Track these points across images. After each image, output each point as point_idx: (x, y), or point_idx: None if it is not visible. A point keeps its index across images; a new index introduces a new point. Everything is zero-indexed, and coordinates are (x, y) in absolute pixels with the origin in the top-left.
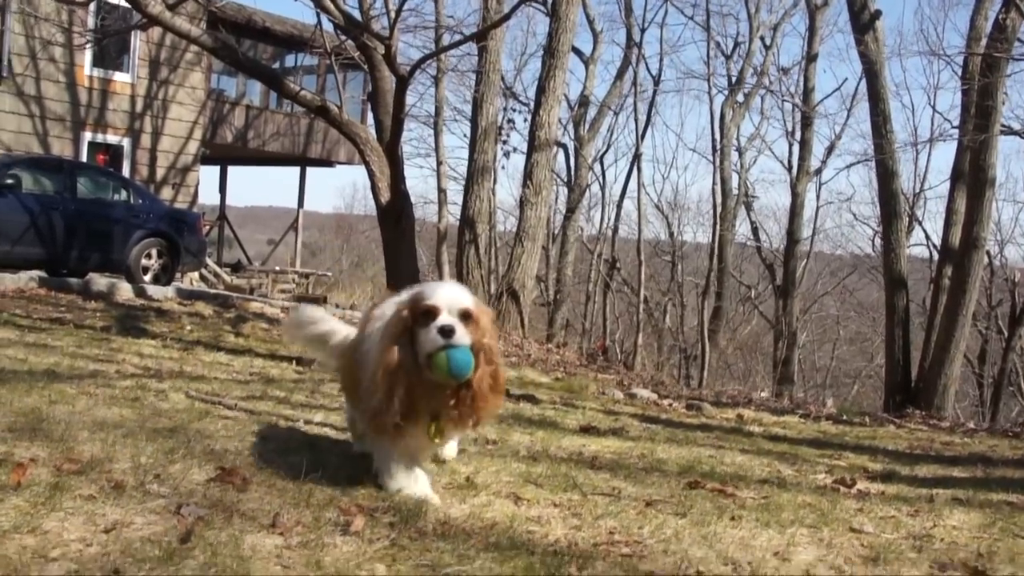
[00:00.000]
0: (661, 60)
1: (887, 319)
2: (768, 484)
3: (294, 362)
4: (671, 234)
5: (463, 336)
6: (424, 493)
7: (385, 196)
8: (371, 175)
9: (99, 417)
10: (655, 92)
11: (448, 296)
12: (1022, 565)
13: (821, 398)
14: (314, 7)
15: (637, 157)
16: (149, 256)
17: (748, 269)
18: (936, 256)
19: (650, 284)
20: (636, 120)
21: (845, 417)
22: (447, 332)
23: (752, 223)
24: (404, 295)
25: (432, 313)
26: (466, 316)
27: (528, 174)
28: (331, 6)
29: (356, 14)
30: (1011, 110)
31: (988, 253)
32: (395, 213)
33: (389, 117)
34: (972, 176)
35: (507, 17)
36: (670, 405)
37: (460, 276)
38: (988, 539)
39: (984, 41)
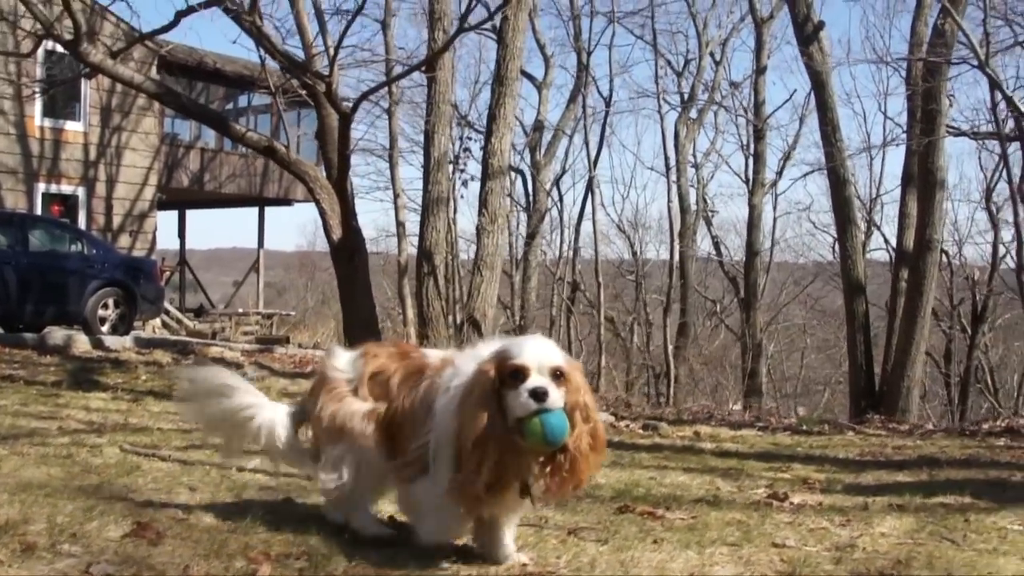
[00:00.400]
0: (611, 81)
1: (848, 325)
2: (701, 503)
3: None
4: (634, 253)
5: (557, 398)
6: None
7: (337, 233)
8: (322, 213)
9: (25, 478)
10: (607, 114)
11: (537, 353)
12: (940, 569)
13: (792, 408)
14: (256, 48)
15: (591, 179)
16: (106, 306)
17: (713, 284)
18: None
19: (616, 304)
20: (587, 143)
21: (804, 427)
22: (540, 396)
23: (713, 237)
24: (481, 351)
25: (522, 374)
26: (558, 375)
27: (483, 202)
28: (272, 46)
29: (300, 53)
30: (960, 111)
31: (947, 253)
32: (348, 250)
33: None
34: (922, 179)
35: (445, 48)
36: (627, 427)
37: (420, 308)
38: (912, 545)
39: (925, 46)
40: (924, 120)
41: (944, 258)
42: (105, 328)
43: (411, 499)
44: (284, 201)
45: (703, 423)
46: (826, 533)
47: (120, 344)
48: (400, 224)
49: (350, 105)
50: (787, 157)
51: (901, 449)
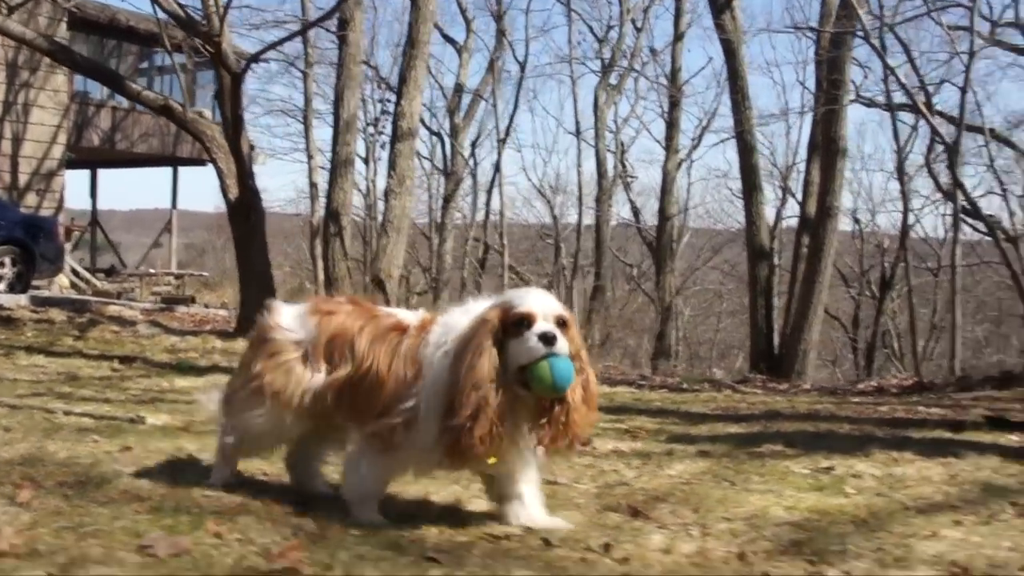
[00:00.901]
0: (527, 45)
1: (750, 289)
2: None
3: (115, 360)
4: (553, 217)
5: (564, 344)
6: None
7: (233, 192)
8: (219, 172)
9: None
10: (522, 78)
11: (542, 301)
12: (691, 503)
13: (707, 370)
14: (152, 4)
15: (500, 142)
16: (2, 264)
17: (632, 249)
18: None
19: (536, 268)
20: (495, 106)
21: (685, 385)
22: (549, 339)
23: (632, 203)
24: (480, 304)
25: (528, 320)
26: (562, 323)
27: (392, 164)
28: (168, 3)
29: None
30: (876, 83)
31: (858, 220)
32: (244, 209)
33: None
34: (825, 147)
35: (336, 8)
36: None
37: (326, 269)
38: (682, 484)
39: (834, 17)
40: (829, 89)
41: (856, 226)
42: (1, 286)
43: (390, 464)
44: (198, 161)
45: None
46: (611, 474)
47: (14, 302)
48: (313, 185)
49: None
50: (706, 126)
51: (755, 405)
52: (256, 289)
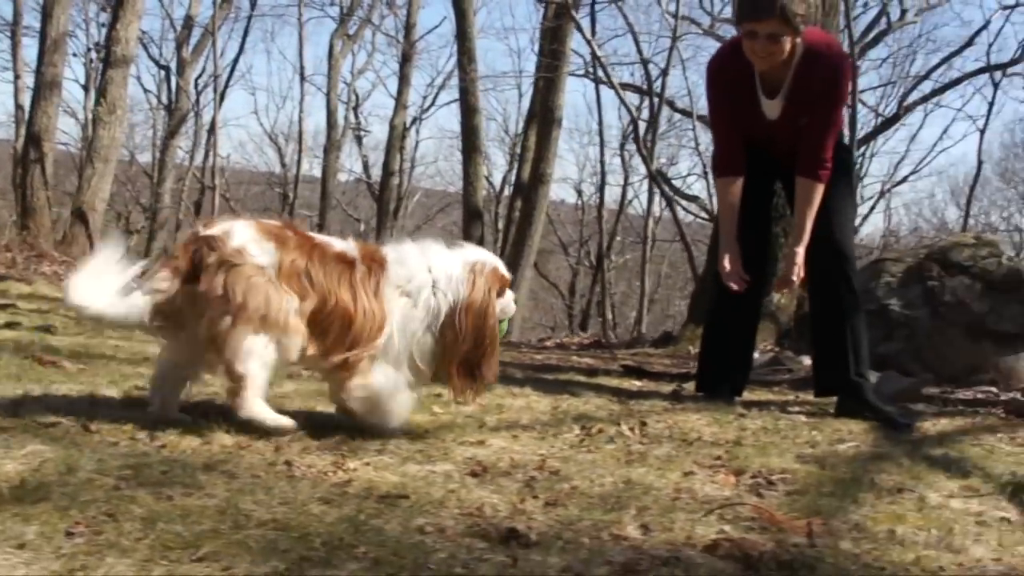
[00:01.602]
0: None
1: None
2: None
3: None
4: (283, 165)
5: None
6: None
7: None
8: None
9: None
10: (251, 16)
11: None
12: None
13: None
14: None
15: (215, 79)
16: None
17: (363, 204)
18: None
19: (263, 217)
20: (214, 45)
21: None
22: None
23: (363, 157)
24: (456, 253)
25: (505, 286)
26: None
27: (102, 91)
28: None
29: None
30: (621, 59)
31: (581, 192)
32: None
33: None
34: (542, 116)
35: None
36: None
37: (23, 198)
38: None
39: None
40: (549, 59)
41: (579, 198)
42: None
43: (370, 388)
44: None
45: None
46: None
47: None
48: (19, 107)
49: None
50: (441, 86)
51: None
52: None
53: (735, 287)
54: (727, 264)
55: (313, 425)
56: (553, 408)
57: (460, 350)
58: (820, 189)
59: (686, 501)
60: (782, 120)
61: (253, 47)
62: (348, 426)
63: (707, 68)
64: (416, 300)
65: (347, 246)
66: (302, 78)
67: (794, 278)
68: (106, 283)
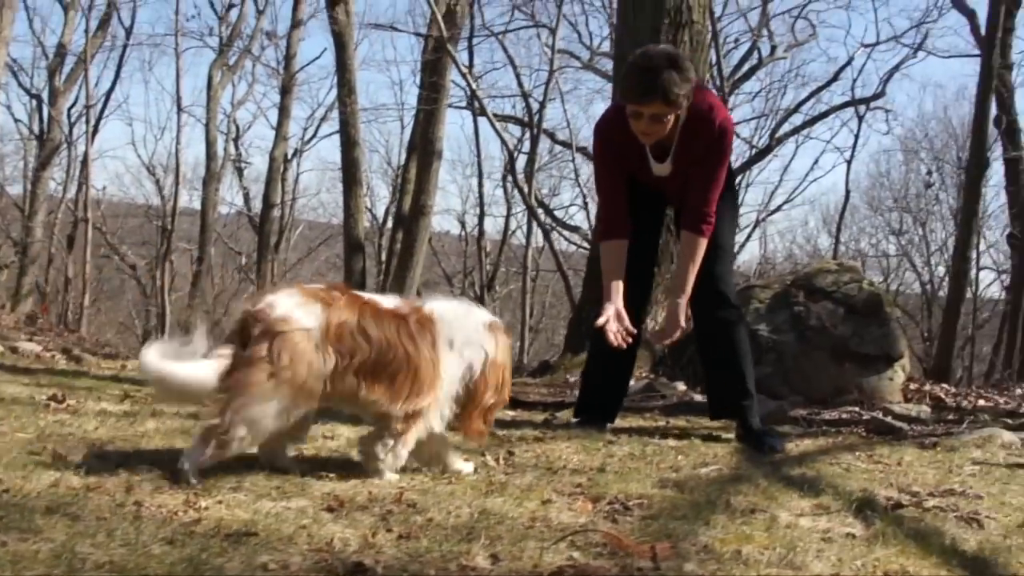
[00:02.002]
0: (134, 11)
1: (345, 282)
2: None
3: None
4: (162, 197)
5: None
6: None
7: None
8: None
9: None
10: (126, 45)
11: None
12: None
13: None
14: None
15: (88, 109)
16: None
17: (245, 237)
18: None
19: (142, 249)
20: (86, 74)
21: None
22: None
23: (244, 189)
24: (478, 311)
25: None
26: None
27: None
28: None
29: None
30: (502, 92)
31: (463, 223)
32: None
33: None
34: (422, 148)
35: None
36: (52, 357)
37: None
38: (137, 436)
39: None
40: (429, 92)
41: (463, 229)
42: None
43: (433, 433)
44: None
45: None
46: (73, 427)
47: None
48: None
49: None
50: (323, 117)
51: None
52: None
53: (617, 343)
54: (612, 323)
55: (171, 463)
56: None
57: (483, 400)
58: (703, 243)
59: (539, 529)
60: (673, 175)
61: (130, 77)
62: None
63: (595, 131)
64: (460, 354)
65: (396, 303)
66: (179, 108)
67: (676, 335)
68: (178, 352)
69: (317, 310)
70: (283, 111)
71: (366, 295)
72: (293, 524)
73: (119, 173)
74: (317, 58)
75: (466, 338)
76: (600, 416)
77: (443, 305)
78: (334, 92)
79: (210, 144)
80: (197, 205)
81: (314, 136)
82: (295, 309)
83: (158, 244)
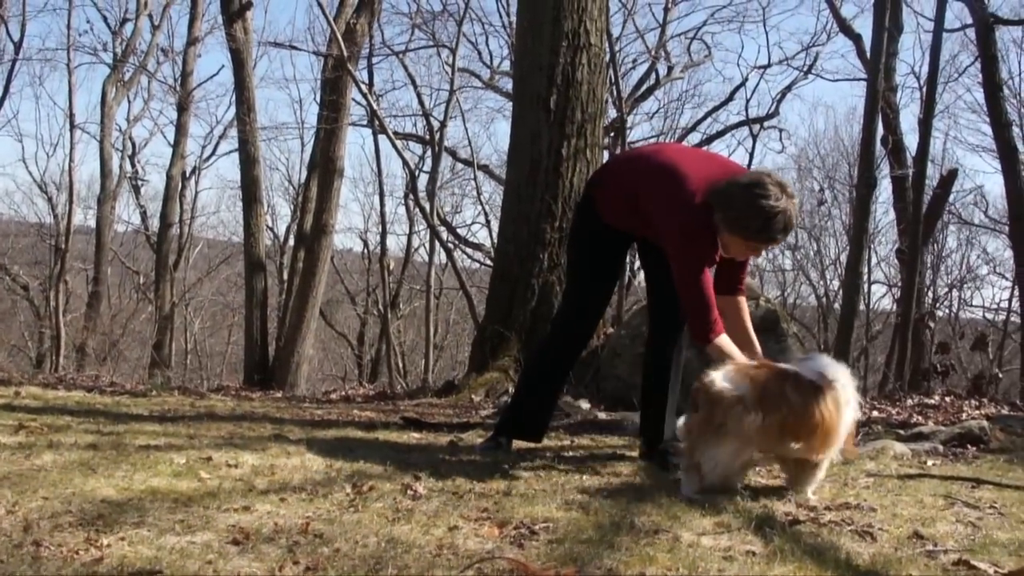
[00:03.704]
0: (24, 25)
1: (247, 301)
2: None
3: None
4: (55, 216)
5: None
6: None
7: None
8: None
9: None
10: (15, 60)
11: None
12: (15, 485)
13: (214, 380)
14: None
15: None
16: None
17: (143, 256)
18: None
19: (35, 270)
20: None
21: (149, 391)
22: None
23: (140, 207)
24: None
25: None
26: None
27: None
28: None
29: None
30: (403, 110)
31: (367, 242)
32: None
33: None
34: (323, 166)
35: None
36: None
37: None
38: (34, 470)
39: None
40: (329, 110)
41: (365, 248)
42: None
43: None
44: None
45: (49, 387)
46: None
47: None
48: None
49: None
50: (222, 135)
51: (205, 407)
52: None
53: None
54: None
55: (64, 499)
56: (327, 467)
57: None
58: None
59: (447, 557)
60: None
61: (20, 92)
62: (106, 499)
63: (705, 234)
64: (847, 412)
65: (815, 375)
66: (72, 125)
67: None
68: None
69: (745, 384)
70: (180, 128)
71: (790, 368)
72: (198, 560)
73: (9, 191)
74: (215, 75)
75: (850, 396)
76: (532, 434)
77: (834, 370)
78: (233, 110)
79: (105, 161)
80: (92, 223)
81: (213, 154)
82: (727, 383)
83: (51, 264)
